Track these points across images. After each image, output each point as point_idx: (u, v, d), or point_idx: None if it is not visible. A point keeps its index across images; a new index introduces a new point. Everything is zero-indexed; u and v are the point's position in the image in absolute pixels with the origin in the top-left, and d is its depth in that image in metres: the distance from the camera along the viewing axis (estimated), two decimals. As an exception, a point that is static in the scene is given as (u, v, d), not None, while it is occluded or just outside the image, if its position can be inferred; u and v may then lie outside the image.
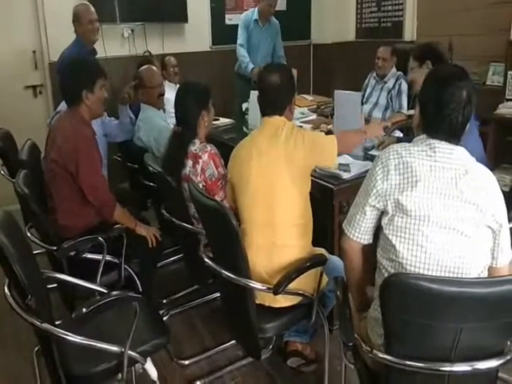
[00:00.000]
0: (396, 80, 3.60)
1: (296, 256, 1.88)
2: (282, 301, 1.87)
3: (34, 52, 4.31)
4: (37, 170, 2.45)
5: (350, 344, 1.44)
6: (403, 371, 1.29)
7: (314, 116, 3.78)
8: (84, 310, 1.81)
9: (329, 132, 2.96)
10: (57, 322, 1.64)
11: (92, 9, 3.42)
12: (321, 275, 1.89)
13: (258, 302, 1.84)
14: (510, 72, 3.73)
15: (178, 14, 4.70)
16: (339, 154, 1.98)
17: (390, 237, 1.42)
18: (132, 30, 4.58)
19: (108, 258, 2.16)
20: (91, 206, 2.22)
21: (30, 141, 2.68)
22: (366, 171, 1.57)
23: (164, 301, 2.76)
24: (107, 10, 4.22)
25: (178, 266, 3.05)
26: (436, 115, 1.41)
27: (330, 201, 2.25)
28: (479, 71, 3.99)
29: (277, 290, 1.73)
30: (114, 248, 2.18)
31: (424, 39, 4.41)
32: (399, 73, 3.60)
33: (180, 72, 4.13)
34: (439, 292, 1.15)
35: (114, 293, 1.93)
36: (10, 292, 1.42)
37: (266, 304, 1.88)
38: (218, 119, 3.63)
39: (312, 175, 1.98)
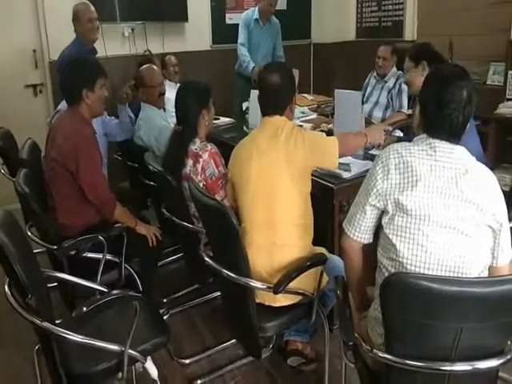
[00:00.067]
0: (396, 79, 3.60)
1: (296, 255, 1.88)
2: (282, 300, 1.87)
3: (34, 51, 4.31)
4: (37, 169, 2.45)
5: (351, 343, 1.44)
6: (403, 371, 1.29)
7: (314, 115, 3.78)
8: (84, 308, 1.81)
9: (329, 131, 2.96)
10: (57, 321, 1.65)
11: (92, 8, 3.42)
12: (321, 274, 1.89)
13: (258, 301, 1.84)
14: (510, 72, 3.73)
15: (179, 13, 4.70)
16: (340, 156, 1.97)
17: (390, 236, 1.42)
18: (132, 29, 4.58)
19: (108, 257, 2.16)
20: (91, 205, 2.22)
21: (31, 140, 2.68)
22: (367, 170, 1.57)
23: (164, 300, 2.76)
24: (107, 9, 4.22)
25: (179, 265, 3.05)
26: (436, 115, 1.41)
27: (330, 200, 2.25)
28: (479, 71, 3.99)
29: (277, 289, 1.73)
30: (114, 247, 2.18)
31: (424, 39, 4.39)
32: (399, 72, 3.60)
33: (180, 71, 4.13)
34: (439, 291, 1.15)
35: (115, 292, 1.93)
36: (10, 291, 1.42)
37: (266, 303, 1.88)
38: (218, 118, 3.63)
39: (312, 174, 1.98)
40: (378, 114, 3.64)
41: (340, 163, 2.04)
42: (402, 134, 2.96)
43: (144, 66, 3.11)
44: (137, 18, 4.50)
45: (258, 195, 1.90)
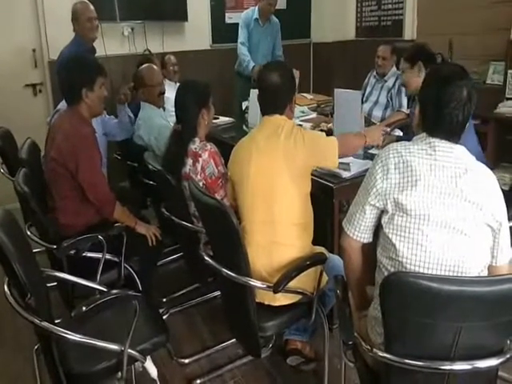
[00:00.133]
0: (396, 79, 3.60)
1: (296, 255, 1.88)
2: (282, 299, 1.87)
3: (34, 50, 4.31)
4: (37, 168, 2.44)
5: (350, 343, 1.44)
6: (403, 370, 1.29)
7: (313, 115, 3.78)
8: (84, 308, 1.82)
9: (329, 131, 2.96)
10: (56, 321, 1.64)
11: (91, 7, 3.41)
12: (321, 274, 1.89)
13: (257, 300, 1.84)
14: (510, 71, 3.73)
15: (178, 13, 4.70)
16: (339, 157, 1.97)
17: (389, 236, 1.42)
18: (132, 29, 4.57)
19: (108, 256, 2.16)
20: (91, 205, 2.22)
21: (30, 139, 2.68)
22: (366, 170, 1.57)
23: (164, 299, 2.77)
24: (107, 8, 4.22)
25: (178, 265, 3.06)
26: (436, 114, 1.41)
27: (329, 199, 2.25)
28: (479, 70, 3.99)
29: (277, 288, 1.73)
30: (113, 246, 2.18)
31: (424, 38, 4.41)
32: (399, 72, 3.59)
33: (180, 70, 4.13)
34: (439, 291, 1.15)
35: (114, 291, 1.93)
36: (9, 291, 1.42)
37: (266, 302, 1.88)
38: (217, 118, 3.63)
39: (312, 174, 1.98)
40: (377, 113, 3.64)
41: (340, 163, 2.04)
42: (401, 134, 2.96)
43: (143, 66, 3.11)
44: (136, 17, 4.50)
45: (258, 194, 1.90)
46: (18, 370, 2.30)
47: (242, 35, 4.39)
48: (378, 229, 1.51)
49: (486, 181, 1.40)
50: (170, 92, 3.10)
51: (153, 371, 1.74)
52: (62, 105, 2.59)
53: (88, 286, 1.93)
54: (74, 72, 2.28)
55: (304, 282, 1.84)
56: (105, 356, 1.59)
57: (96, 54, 3.57)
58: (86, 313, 1.82)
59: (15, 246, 1.36)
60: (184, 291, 2.81)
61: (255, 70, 4.11)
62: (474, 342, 1.25)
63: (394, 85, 3.60)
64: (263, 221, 1.89)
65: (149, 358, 1.72)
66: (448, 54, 4.11)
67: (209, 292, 2.74)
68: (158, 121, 2.91)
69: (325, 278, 1.92)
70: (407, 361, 1.26)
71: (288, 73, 1.99)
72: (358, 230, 1.53)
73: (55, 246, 2.07)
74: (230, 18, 5.12)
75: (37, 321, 1.38)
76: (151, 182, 2.75)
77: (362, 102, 3.60)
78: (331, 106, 3.59)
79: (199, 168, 2.20)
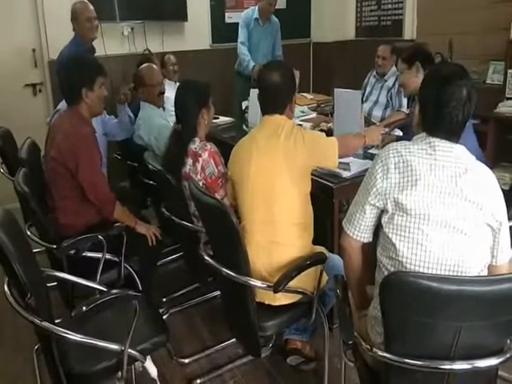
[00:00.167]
0: (396, 78, 3.58)
1: (296, 255, 1.88)
2: (282, 299, 1.87)
3: (34, 50, 4.31)
4: (37, 168, 2.44)
5: (350, 342, 1.44)
6: (403, 369, 1.29)
7: (313, 114, 3.78)
8: (84, 308, 1.82)
9: (329, 130, 2.96)
10: (56, 321, 1.64)
11: (90, 7, 3.41)
12: (321, 273, 1.89)
13: (257, 300, 1.84)
14: (509, 71, 3.73)
15: (178, 13, 4.70)
16: (339, 157, 1.98)
17: (389, 235, 1.42)
18: (132, 29, 4.57)
19: (108, 256, 2.16)
20: (91, 205, 2.22)
21: (30, 139, 2.68)
22: (366, 170, 1.57)
23: (164, 299, 2.77)
24: (107, 8, 4.22)
25: (178, 265, 3.06)
26: (436, 114, 1.41)
27: (329, 199, 2.25)
28: (479, 70, 3.99)
29: (277, 287, 1.73)
30: (113, 246, 2.18)
31: (424, 38, 4.41)
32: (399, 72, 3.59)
33: (180, 70, 4.13)
34: (439, 290, 1.15)
35: (114, 291, 1.93)
36: (9, 290, 1.42)
37: (266, 302, 1.88)
38: (217, 118, 3.63)
39: (312, 174, 1.98)
40: (377, 113, 3.64)
41: (340, 162, 2.04)
42: (401, 134, 2.96)
43: (143, 65, 3.11)
44: (136, 17, 4.50)
45: (258, 194, 1.90)
46: (18, 369, 2.30)
47: (242, 35, 4.39)
48: (377, 228, 1.51)
49: (486, 180, 1.40)
50: (170, 92, 3.10)
51: (153, 371, 1.74)
52: (62, 105, 2.59)
53: (88, 286, 1.93)
54: (74, 72, 2.28)
55: (304, 281, 1.84)
56: (105, 356, 1.59)
57: (96, 54, 3.57)
58: (86, 313, 1.82)
59: (15, 245, 1.36)
60: (184, 291, 2.81)
61: (255, 70, 4.11)
62: (474, 341, 1.25)
63: (393, 84, 3.60)
64: (263, 220, 1.89)
65: (149, 357, 1.72)
66: (448, 54, 4.12)
67: (209, 292, 2.74)
68: (157, 120, 2.91)
69: (325, 277, 1.92)
70: (407, 360, 1.26)
71: (288, 72, 1.99)
72: (358, 230, 1.53)
73: (55, 246, 2.07)
74: (230, 17, 5.12)
75: (37, 321, 1.38)
76: (151, 182, 2.75)
77: (362, 102, 3.60)
78: (331, 106, 3.60)
79: (199, 168, 2.20)
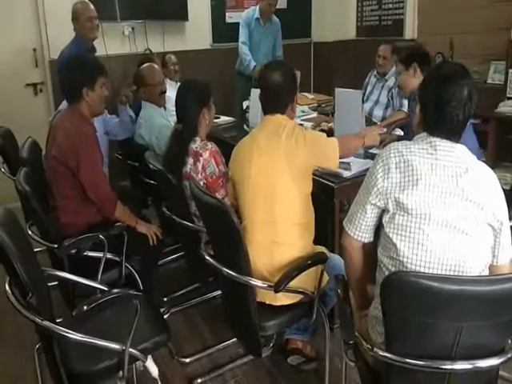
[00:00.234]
0: (397, 78, 3.59)
1: (297, 254, 1.88)
2: (283, 299, 1.87)
3: (35, 50, 4.31)
4: (38, 168, 2.45)
5: (351, 342, 1.44)
6: (404, 369, 1.29)
7: (314, 114, 3.78)
8: (85, 307, 1.82)
9: (329, 130, 2.96)
10: (58, 320, 1.64)
11: (91, 6, 3.41)
12: (321, 273, 1.89)
13: (258, 299, 1.84)
14: (510, 70, 3.73)
15: (179, 12, 4.70)
16: (339, 158, 1.98)
17: (390, 235, 1.42)
18: (132, 28, 4.58)
19: (109, 255, 2.16)
20: (92, 204, 2.23)
21: (31, 139, 2.68)
22: (367, 169, 1.57)
23: (165, 299, 2.77)
24: (108, 8, 4.22)
25: (179, 264, 3.06)
26: (437, 113, 1.41)
27: (330, 199, 2.25)
28: (480, 69, 3.98)
29: (278, 287, 1.73)
30: (114, 246, 2.19)
31: (425, 37, 4.41)
32: (399, 72, 3.59)
33: (180, 70, 4.13)
34: (439, 290, 1.15)
35: (115, 291, 1.93)
36: (11, 290, 1.42)
37: (267, 302, 1.88)
38: (218, 117, 3.63)
39: (313, 173, 1.98)
40: (378, 112, 3.64)
41: (340, 162, 2.04)
42: (402, 133, 2.96)
43: (145, 65, 3.11)
44: (137, 16, 4.50)
45: (259, 194, 1.90)
46: (19, 369, 2.31)
47: (242, 35, 4.39)
48: (378, 228, 1.51)
49: (487, 180, 1.40)
50: (171, 91, 3.10)
51: (154, 370, 1.74)
52: (64, 105, 2.60)
53: (89, 286, 1.93)
54: (75, 71, 2.28)
55: (305, 281, 1.84)
56: (106, 355, 1.59)
57: (97, 54, 3.58)
58: (87, 312, 1.83)
59: (16, 245, 1.36)
60: (185, 290, 2.81)
61: (256, 70, 4.11)
62: (475, 341, 1.25)
63: (394, 84, 3.59)
64: (264, 220, 1.89)
65: (150, 357, 1.72)
66: (449, 54, 4.12)
67: (210, 291, 2.74)
68: (158, 120, 2.91)
69: (326, 277, 1.92)
70: (408, 360, 1.26)
71: (289, 72, 1.99)
72: (359, 230, 1.53)
73: (56, 246, 2.07)
74: (231, 17, 5.11)
75: (38, 320, 1.38)
76: (152, 182, 2.75)
77: (363, 102, 3.59)
78: (332, 106, 3.60)
79: (200, 167, 2.20)
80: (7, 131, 2.86)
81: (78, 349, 1.60)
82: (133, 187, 3.49)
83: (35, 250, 1.65)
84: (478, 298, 1.17)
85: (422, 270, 1.36)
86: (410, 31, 4.74)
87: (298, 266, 1.81)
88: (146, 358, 1.68)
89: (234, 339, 2.38)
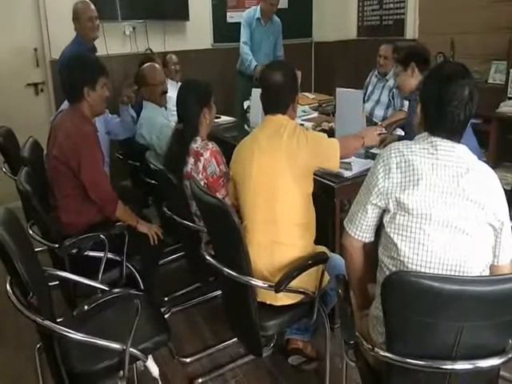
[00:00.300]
0: (395, 79, 3.59)
1: (297, 255, 1.88)
2: (284, 299, 1.87)
3: (36, 50, 4.31)
4: (39, 167, 2.45)
5: (352, 342, 1.44)
6: (405, 369, 1.29)
7: (315, 114, 3.78)
8: (85, 307, 1.82)
9: (330, 130, 2.96)
10: (58, 320, 1.65)
11: (92, 6, 3.42)
12: (322, 273, 1.89)
13: (259, 299, 1.83)
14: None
15: (180, 12, 4.70)
16: (340, 158, 1.98)
17: (391, 235, 1.42)
18: (133, 28, 4.58)
19: (109, 255, 2.17)
20: (93, 204, 2.23)
21: (32, 138, 2.68)
22: (368, 169, 1.57)
23: (165, 298, 2.77)
24: (108, 7, 4.22)
25: (180, 264, 3.06)
26: (438, 113, 1.41)
27: (331, 199, 2.25)
28: (481, 69, 3.98)
29: (278, 287, 1.73)
30: (115, 246, 2.19)
31: (426, 37, 4.41)
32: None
33: (181, 70, 4.14)
34: (440, 290, 1.15)
35: (116, 290, 1.94)
36: (11, 289, 1.42)
37: (268, 302, 1.88)
38: (219, 117, 3.63)
39: (313, 173, 1.98)
40: (379, 112, 3.64)
41: (341, 162, 2.04)
42: (403, 133, 2.96)
43: (146, 65, 3.12)
44: (138, 16, 4.50)
45: (260, 194, 1.90)
46: (20, 368, 2.31)
47: (244, 34, 4.39)
48: (379, 228, 1.51)
49: (487, 180, 1.40)
50: (172, 91, 3.10)
51: (154, 370, 1.74)
52: (65, 106, 2.60)
53: (90, 285, 1.93)
54: (76, 71, 2.28)
55: (306, 281, 1.84)
56: (107, 355, 1.59)
57: (97, 54, 3.58)
58: (88, 312, 1.83)
59: (17, 244, 1.36)
60: (185, 290, 2.81)
61: (257, 70, 4.11)
62: (476, 341, 1.25)
63: (395, 84, 3.58)
64: (265, 220, 1.89)
65: (150, 356, 1.72)
66: (450, 54, 4.11)
67: (210, 291, 2.74)
68: (159, 120, 2.91)
69: (326, 277, 1.92)
70: (409, 360, 1.26)
71: (291, 72, 1.99)
72: (360, 230, 1.53)
73: (57, 245, 2.07)
74: (232, 17, 5.12)
75: (39, 319, 1.38)
76: (153, 181, 2.75)
77: (364, 102, 3.59)
78: (333, 106, 3.60)
79: (201, 167, 2.20)
80: (8, 131, 2.86)
81: (79, 348, 1.60)
82: (134, 187, 3.49)
83: (36, 249, 1.66)
84: (478, 298, 1.17)
85: (422, 269, 1.36)
86: (411, 31, 4.74)
87: (299, 266, 1.80)
88: (147, 358, 1.68)
89: (235, 339, 2.38)
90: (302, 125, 2.71)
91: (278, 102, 1.95)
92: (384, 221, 1.45)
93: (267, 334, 1.88)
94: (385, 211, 1.45)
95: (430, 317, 1.21)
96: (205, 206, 1.80)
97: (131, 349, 1.57)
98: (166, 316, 2.51)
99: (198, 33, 4.94)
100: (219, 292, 2.55)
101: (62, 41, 3.48)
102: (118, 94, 3.10)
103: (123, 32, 4.56)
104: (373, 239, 1.55)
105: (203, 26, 5.00)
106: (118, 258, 2.21)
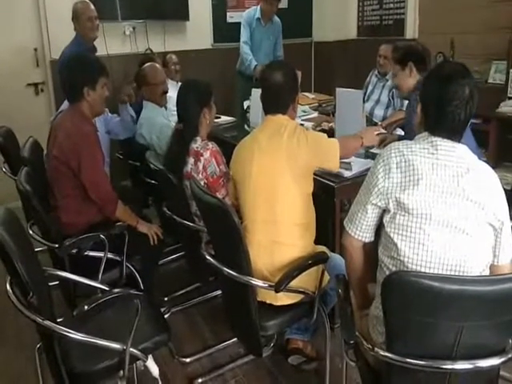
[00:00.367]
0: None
1: (297, 254, 1.88)
2: (284, 299, 1.87)
3: (36, 50, 4.31)
4: (39, 167, 2.45)
5: (352, 342, 1.44)
6: (405, 369, 1.29)
7: (315, 114, 3.78)
8: (86, 307, 1.82)
9: (330, 130, 2.96)
10: (58, 320, 1.65)
11: (91, 6, 3.42)
12: (322, 273, 1.89)
13: (259, 299, 1.83)
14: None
15: (180, 12, 4.70)
16: (339, 159, 1.98)
17: (391, 235, 1.42)
18: (133, 28, 4.58)
19: (109, 255, 2.17)
20: (93, 204, 2.23)
21: (32, 138, 2.68)
22: (368, 169, 1.57)
23: (165, 298, 2.77)
24: (108, 7, 4.22)
25: (180, 264, 3.06)
26: (438, 112, 1.41)
27: (331, 199, 2.25)
28: (481, 69, 3.98)
29: (278, 287, 1.73)
30: (115, 245, 2.19)
31: (426, 37, 4.41)
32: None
33: (181, 70, 4.14)
34: (440, 290, 1.15)
35: (116, 290, 1.94)
36: (11, 289, 1.42)
37: (268, 302, 1.88)
38: (219, 117, 3.63)
39: (313, 173, 1.98)
40: (379, 112, 3.64)
41: (341, 162, 2.04)
42: (403, 133, 2.95)
43: (146, 64, 3.12)
44: (138, 16, 4.50)
45: (260, 194, 1.90)
46: (20, 368, 2.31)
47: (244, 34, 4.39)
48: (379, 228, 1.51)
49: (488, 180, 1.40)
50: (172, 91, 3.10)
51: (154, 370, 1.74)
52: (65, 106, 2.60)
53: (90, 285, 1.93)
54: (76, 70, 2.28)
55: (306, 281, 1.84)
56: (107, 355, 1.59)
57: (97, 54, 3.58)
58: (88, 312, 1.83)
59: (17, 244, 1.36)
60: (185, 290, 2.81)
61: (257, 70, 4.11)
62: (476, 341, 1.25)
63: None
64: (265, 220, 1.89)
65: (150, 356, 1.72)
66: (450, 53, 4.11)
67: (210, 291, 2.74)
68: (159, 120, 2.91)
69: (326, 277, 1.92)
70: (409, 360, 1.26)
71: (291, 72, 1.99)
72: (360, 229, 1.53)
73: (57, 245, 2.07)
74: (232, 17, 5.12)
75: (39, 319, 1.38)
76: (153, 181, 2.75)
77: (364, 101, 3.60)
78: (333, 106, 3.60)
79: (201, 167, 2.20)
80: (8, 131, 2.86)
81: (79, 348, 1.60)
82: (134, 187, 3.49)
83: (36, 249, 1.66)
84: (478, 298, 1.17)
85: (422, 269, 1.36)
86: (411, 31, 4.74)
87: (299, 266, 1.81)
88: (147, 358, 1.68)
89: (235, 339, 2.38)
90: (302, 125, 2.70)
91: (278, 102, 1.95)
92: (384, 221, 1.45)
93: (267, 333, 1.88)
94: (385, 211, 1.45)
95: (430, 317, 1.21)
96: (205, 205, 1.80)
97: (131, 349, 1.57)
98: (165, 316, 2.51)
99: (197, 33, 4.94)
100: (219, 292, 2.56)
101: (62, 41, 3.48)
102: (117, 94, 3.10)
103: (123, 32, 4.56)
104: (373, 239, 1.55)
105: (203, 26, 5.00)
106: (117, 258, 2.21)
